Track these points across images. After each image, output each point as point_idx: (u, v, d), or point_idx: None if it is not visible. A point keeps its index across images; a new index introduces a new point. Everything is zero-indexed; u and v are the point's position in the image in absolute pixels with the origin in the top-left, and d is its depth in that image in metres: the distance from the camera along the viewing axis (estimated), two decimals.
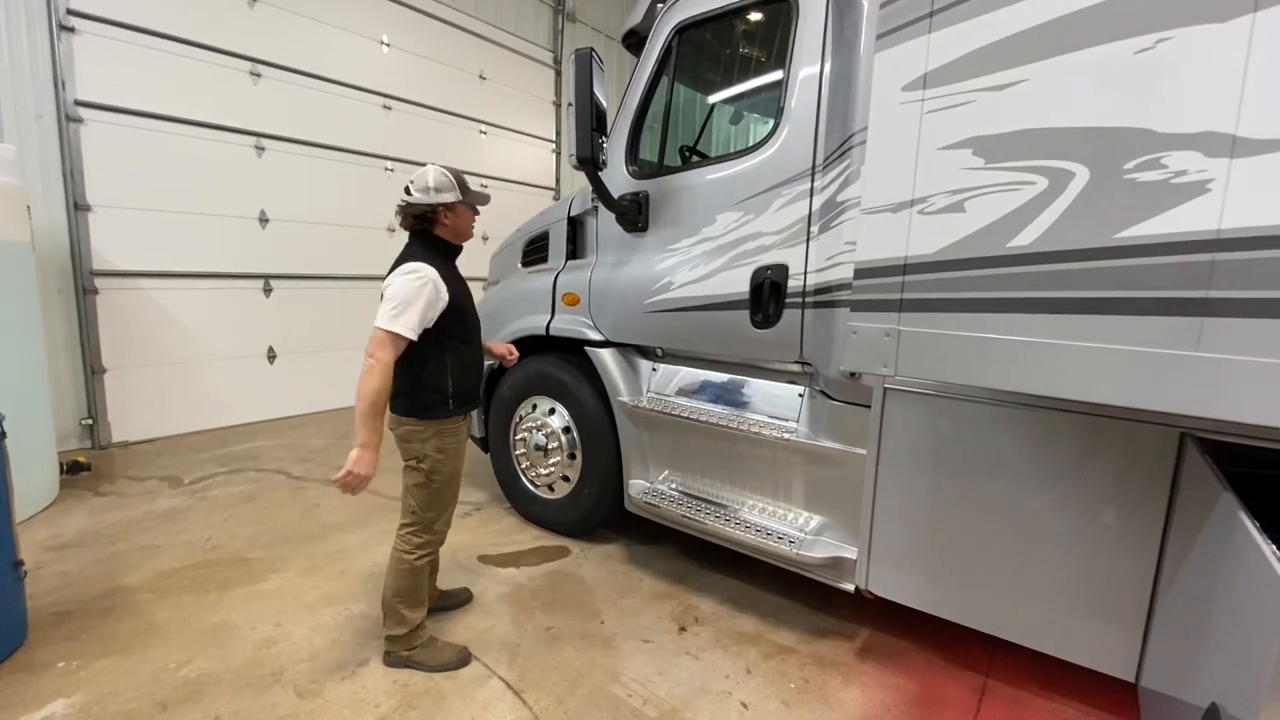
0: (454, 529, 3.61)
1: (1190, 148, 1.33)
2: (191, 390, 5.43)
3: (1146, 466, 1.84)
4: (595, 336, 3.22)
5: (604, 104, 2.74)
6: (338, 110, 6.26)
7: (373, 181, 6.66)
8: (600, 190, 2.93)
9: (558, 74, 8.68)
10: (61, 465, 4.17)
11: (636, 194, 3.01)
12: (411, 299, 2.09)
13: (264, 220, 5.82)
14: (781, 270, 2.56)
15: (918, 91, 1.71)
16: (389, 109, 6.73)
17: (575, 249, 3.44)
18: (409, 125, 6.93)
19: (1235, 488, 1.46)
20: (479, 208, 2.37)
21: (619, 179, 3.06)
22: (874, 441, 2.32)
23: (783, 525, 2.69)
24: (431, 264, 2.17)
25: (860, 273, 1.89)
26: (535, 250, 3.69)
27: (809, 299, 2.50)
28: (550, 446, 3.42)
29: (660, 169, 3.03)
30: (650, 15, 3.12)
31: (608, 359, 3.19)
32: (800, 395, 2.74)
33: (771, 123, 2.63)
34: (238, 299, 5.71)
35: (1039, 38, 1.51)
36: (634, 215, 3.00)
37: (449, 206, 2.25)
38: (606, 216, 3.14)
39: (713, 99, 3.37)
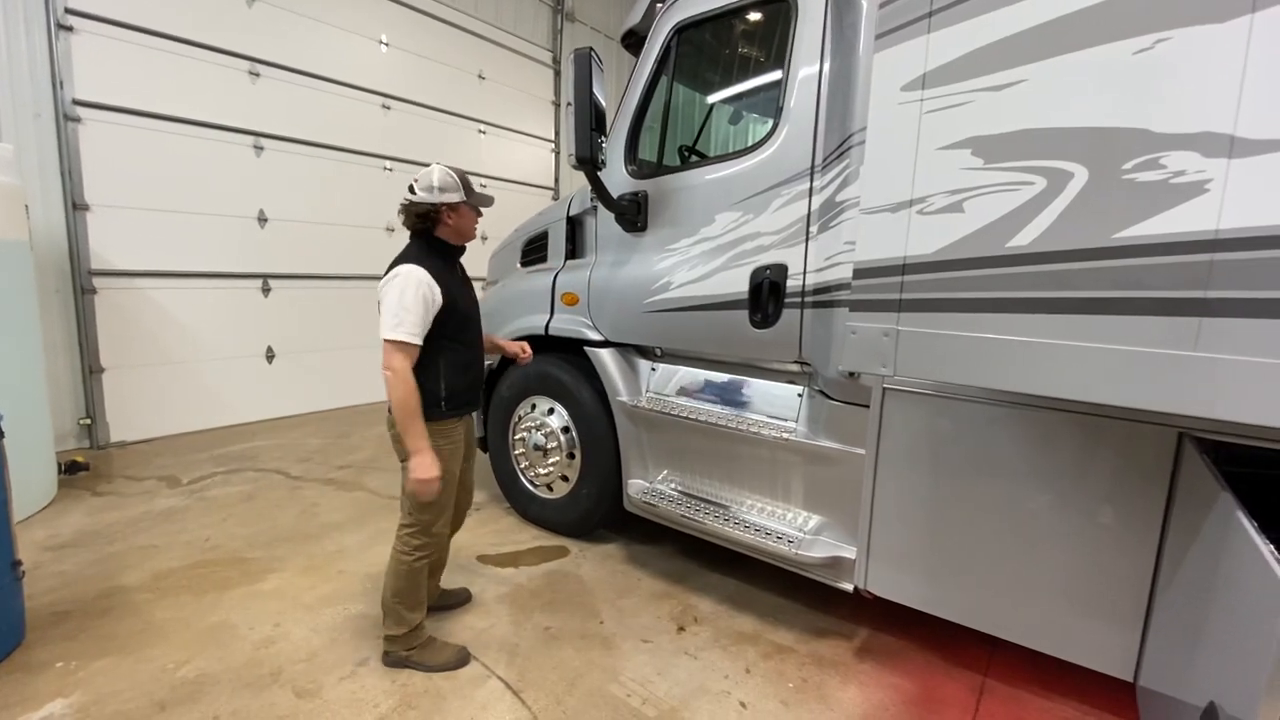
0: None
1: (1189, 148, 1.34)
2: (190, 390, 5.43)
3: (1145, 466, 1.84)
4: (594, 336, 3.22)
5: (603, 104, 2.74)
6: (336, 110, 6.25)
7: (372, 181, 6.65)
8: (599, 190, 2.93)
9: (557, 74, 8.67)
10: (60, 465, 4.16)
11: (635, 194, 3.01)
12: (407, 303, 2.07)
13: (263, 220, 5.81)
14: (780, 270, 2.56)
15: (917, 91, 1.71)
16: (388, 109, 6.72)
17: (574, 249, 3.44)
18: (408, 125, 6.92)
19: (1233, 487, 1.46)
20: (482, 210, 2.36)
21: (618, 179, 3.06)
22: (873, 441, 2.32)
23: (781, 525, 2.70)
24: (425, 264, 2.14)
25: (859, 273, 1.89)
26: (534, 250, 3.69)
27: (808, 299, 2.50)
28: (549, 446, 3.42)
29: (659, 169, 3.03)
30: (649, 15, 3.12)
31: (607, 359, 3.19)
32: (799, 395, 2.74)
33: (770, 122, 2.63)
34: (236, 298, 5.71)
35: (1038, 38, 1.51)
36: (633, 215, 3.00)
37: (452, 207, 2.23)
38: (605, 216, 3.14)
39: (712, 99, 3.37)
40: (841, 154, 2.37)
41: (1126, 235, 1.42)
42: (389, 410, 2.24)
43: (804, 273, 2.50)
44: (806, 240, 2.49)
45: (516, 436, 3.60)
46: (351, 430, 5.72)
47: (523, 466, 3.63)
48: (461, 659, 2.40)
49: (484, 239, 7.08)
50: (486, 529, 3.66)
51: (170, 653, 2.44)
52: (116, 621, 2.63)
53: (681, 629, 2.71)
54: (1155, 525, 1.84)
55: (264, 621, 2.66)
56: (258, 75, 5.63)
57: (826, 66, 2.44)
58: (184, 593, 2.87)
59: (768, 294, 2.58)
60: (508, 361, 2.71)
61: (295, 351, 6.17)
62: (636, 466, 3.18)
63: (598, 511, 3.37)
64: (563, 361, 3.36)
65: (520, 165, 8.39)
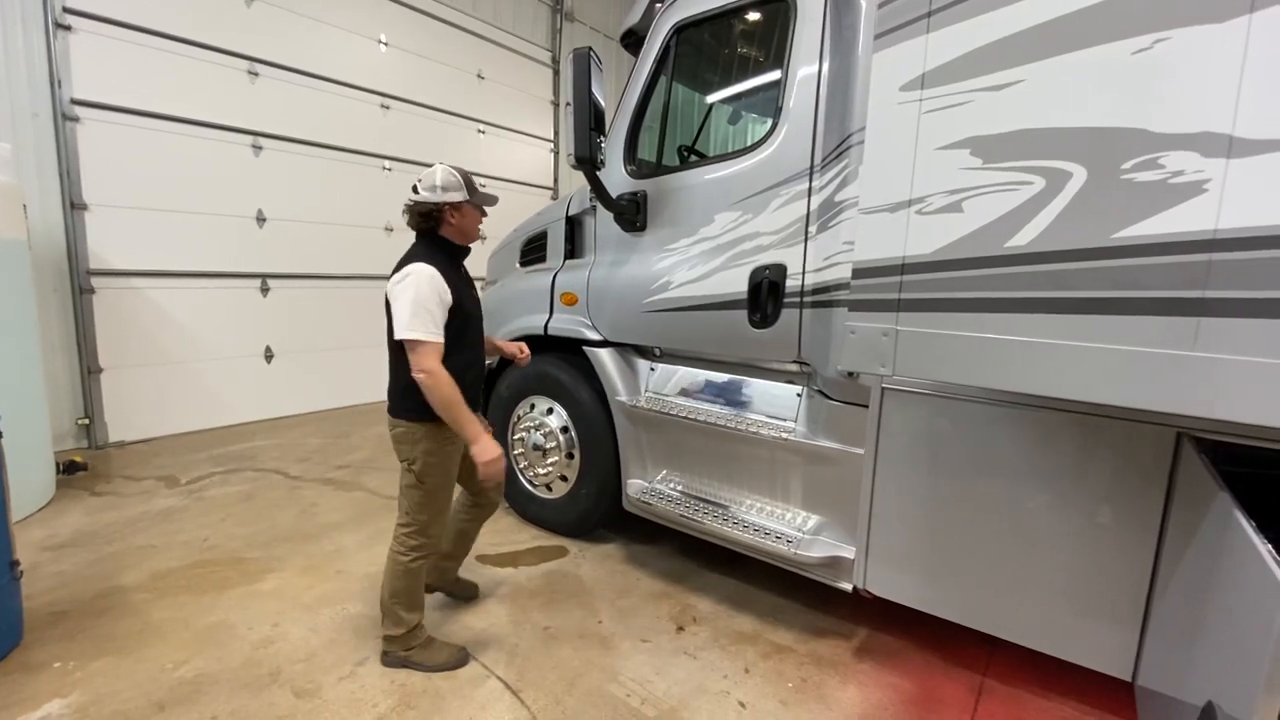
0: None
1: (1187, 148, 1.34)
2: (188, 390, 5.42)
3: (1143, 466, 1.84)
4: (593, 336, 3.22)
5: (602, 103, 2.74)
6: (335, 109, 6.25)
7: (370, 181, 6.65)
8: (598, 190, 2.92)
9: (556, 73, 8.67)
10: (58, 465, 4.15)
11: (634, 193, 3.01)
12: (424, 301, 2.07)
13: (261, 219, 5.81)
14: (779, 270, 2.56)
15: (916, 91, 1.71)
16: (387, 108, 6.72)
17: (573, 248, 3.44)
18: (407, 125, 6.92)
19: (1231, 487, 1.46)
20: (486, 209, 2.36)
21: (617, 178, 3.06)
22: (872, 441, 2.32)
23: (781, 525, 2.70)
24: (432, 263, 2.14)
25: (858, 272, 1.89)
26: (533, 250, 3.69)
27: (807, 299, 2.50)
28: (548, 446, 3.42)
29: (658, 168, 3.03)
30: (649, 15, 3.11)
31: (606, 358, 3.19)
32: (798, 395, 2.74)
33: (770, 122, 2.63)
34: (235, 298, 5.70)
35: (1037, 38, 1.51)
36: (632, 215, 3.00)
37: (455, 206, 2.23)
38: (605, 216, 3.14)
39: (711, 99, 3.37)
40: (840, 154, 2.37)
41: (1125, 235, 1.42)
42: (389, 411, 2.26)
43: (803, 272, 2.50)
44: (805, 240, 2.49)
45: (515, 436, 3.60)
46: (350, 430, 5.71)
47: (521, 466, 3.63)
48: (460, 659, 2.40)
49: (483, 239, 7.10)
50: (485, 529, 3.63)
51: (168, 653, 2.43)
52: (115, 621, 2.63)
53: (681, 629, 2.71)
54: (1154, 525, 1.84)
55: (262, 621, 2.66)
56: (256, 75, 5.62)
57: (825, 66, 2.44)
58: (182, 593, 2.87)
59: (767, 294, 2.58)
60: (506, 362, 2.72)
61: (294, 351, 6.16)
62: (635, 466, 3.18)
63: (597, 511, 3.36)
64: (561, 361, 3.36)
65: (519, 165, 8.39)
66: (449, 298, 2.15)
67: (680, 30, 2.90)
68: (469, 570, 3.13)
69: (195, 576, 3.01)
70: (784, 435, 2.66)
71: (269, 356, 6.00)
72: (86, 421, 4.86)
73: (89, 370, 4.83)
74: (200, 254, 5.40)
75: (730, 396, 2.97)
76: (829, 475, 2.57)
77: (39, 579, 2.92)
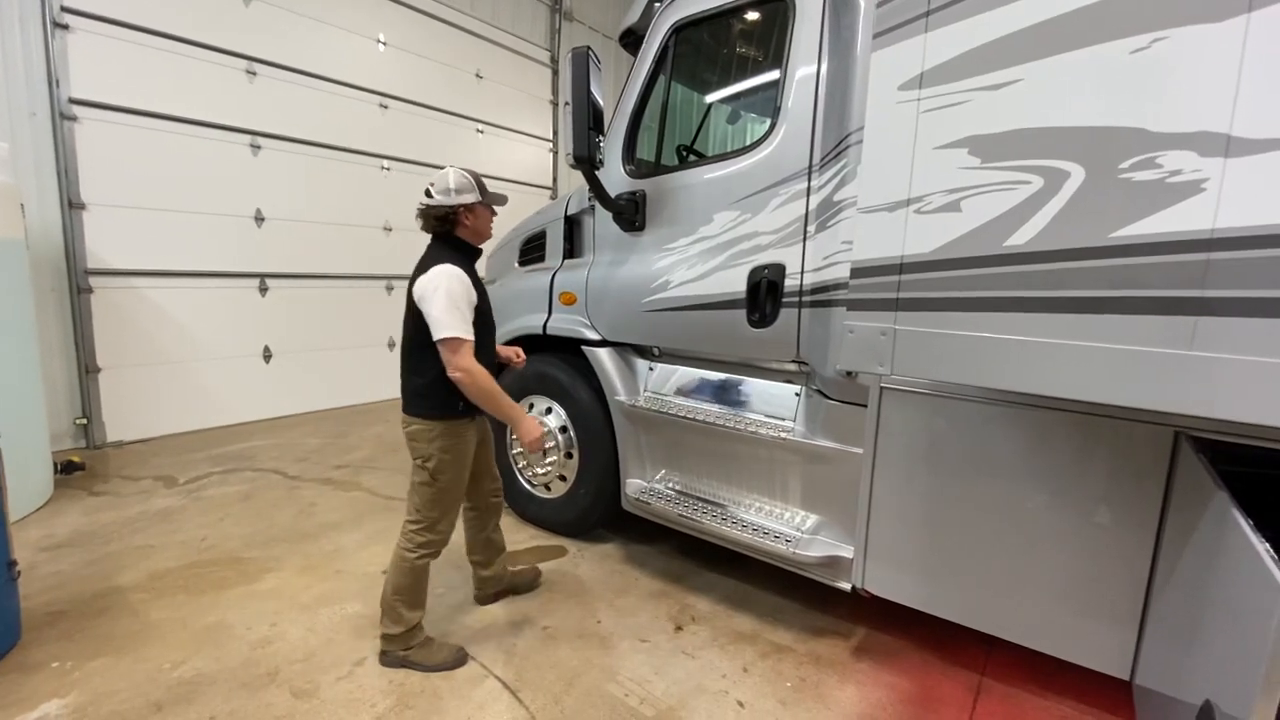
0: None
1: (1185, 147, 1.34)
2: (187, 390, 5.41)
3: (1141, 465, 1.84)
4: (592, 336, 3.22)
5: (601, 103, 2.73)
6: (334, 109, 6.24)
7: (369, 180, 6.64)
8: (597, 189, 2.92)
9: (555, 73, 8.66)
10: (56, 465, 4.14)
11: (633, 193, 3.01)
12: (456, 301, 2.14)
13: (259, 219, 5.80)
14: (778, 269, 2.56)
15: (914, 91, 1.71)
16: (385, 108, 6.71)
17: (572, 248, 3.44)
18: (405, 124, 6.91)
19: (1229, 486, 1.46)
20: (497, 208, 2.43)
21: (616, 178, 3.06)
22: (870, 441, 2.32)
23: (779, 524, 2.70)
24: (455, 264, 2.21)
25: (856, 272, 1.89)
26: (532, 249, 3.69)
27: (806, 298, 2.50)
28: (547, 446, 3.41)
29: (657, 168, 3.03)
30: (647, 14, 3.11)
31: (605, 358, 3.19)
32: (797, 394, 2.74)
33: (768, 122, 2.63)
34: (233, 298, 5.69)
35: (1035, 37, 1.51)
36: (631, 214, 3.00)
37: (469, 208, 2.28)
38: (603, 216, 3.14)
39: (710, 98, 3.36)
40: (839, 153, 2.37)
41: (1123, 234, 1.42)
42: (404, 410, 2.32)
43: (802, 272, 2.50)
44: (804, 240, 2.49)
45: (514, 436, 3.60)
46: (349, 430, 5.71)
47: (520, 466, 3.63)
48: (459, 659, 2.40)
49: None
50: None
51: (166, 653, 2.43)
52: (112, 621, 2.63)
53: (679, 628, 2.71)
54: (1152, 524, 1.84)
55: (261, 621, 2.65)
56: (255, 74, 5.62)
57: (824, 66, 2.44)
58: (180, 593, 2.86)
59: (765, 293, 2.58)
60: (502, 364, 2.75)
61: (292, 351, 6.15)
62: (634, 466, 3.18)
63: (595, 511, 3.36)
64: (560, 361, 3.36)
65: (518, 164, 8.38)
66: (474, 297, 2.24)
67: (679, 30, 2.90)
68: (467, 571, 3.12)
69: (193, 576, 3.01)
70: (783, 435, 2.66)
71: (267, 356, 5.99)
72: (84, 421, 4.85)
73: (87, 370, 4.82)
74: (199, 254, 5.39)
75: (729, 396, 2.97)
76: (828, 475, 2.57)
77: (36, 579, 2.92)
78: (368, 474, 4.53)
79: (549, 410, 3.43)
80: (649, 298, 2.96)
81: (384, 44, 6.66)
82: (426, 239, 2.39)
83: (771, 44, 2.69)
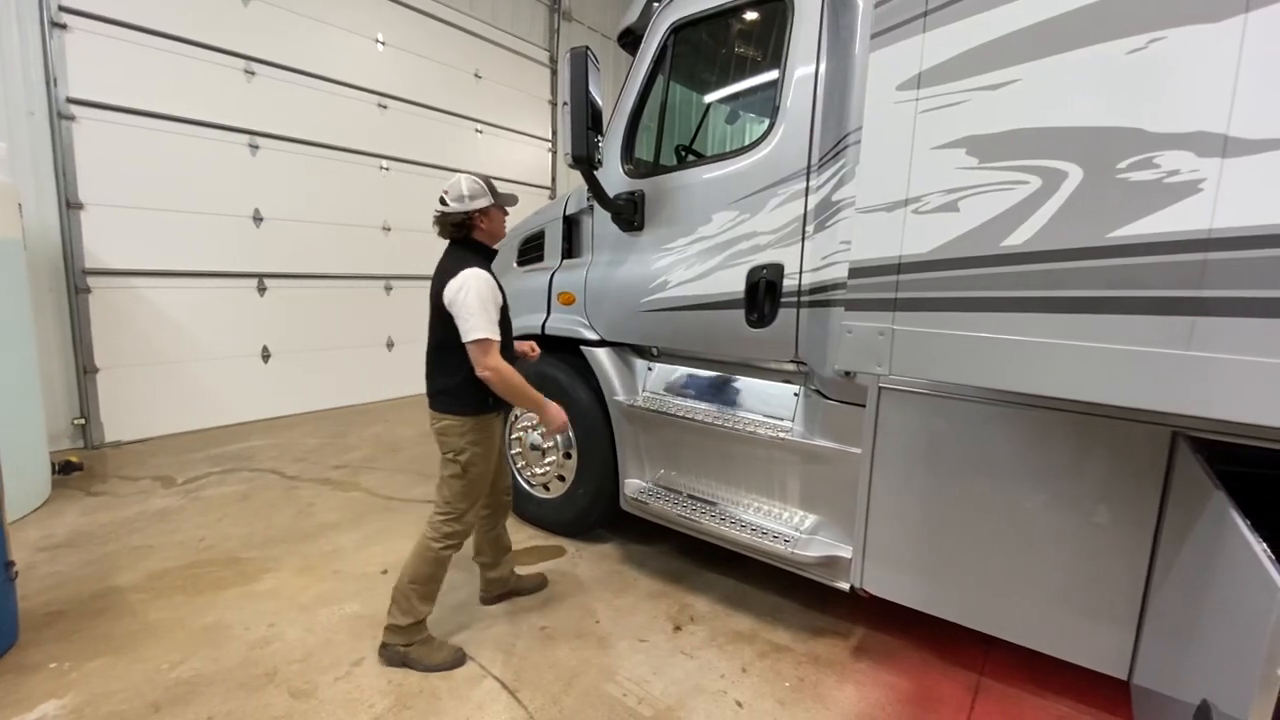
0: None
1: (1182, 147, 1.34)
2: (185, 390, 5.41)
3: (1139, 465, 1.85)
4: (591, 336, 3.22)
5: (599, 103, 2.73)
6: (332, 109, 6.24)
7: (367, 180, 6.64)
8: (595, 189, 2.92)
9: (553, 73, 8.66)
10: (53, 465, 4.14)
11: (632, 193, 3.00)
12: (486, 304, 2.22)
13: (258, 219, 5.79)
14: (777, 269, 2.56)
15: (912, 91, 1.71)
16: (384, 108, 6.71)
17: (571, 248, 3.43)
18: (404, 124, 6.91)
19: (1227, 486, 1.46)
20: (509, 208, 2.50)
21: (614, 178, 3.06)
22: (869, 440, 2.32)
23: (778, 524, 2.70)
24: (479, 267, 2.29)
25: (854, 272, 1.89)
26: (531, 249, 3.69)
27: (804, 298, 2.50)
28: (546, 446, 3.41)
29: (656, 168, 3.03)
30: (646, 14, 3.11)
31: (603, 358, 3.19)
32: (795, 394, 2.74)
33: (767, 122, 2.63)
34: (232, 298, 5.69)
35: (1032, 37, 1.51)
36: (629, 214, 3.00)
37: (483, 211, 2.36)
38: (602, 215, 3.14)
39: (708, 98, 3.36)
40: (837, 153, 2.37)
41: (1120, 234, 1.42)
42: (433, 408, 2.39)
43: (800, 272, 2.50)
44: (803, 240, 2.49)
45: (513, 436, 3.60)
46: (347, 430, 5.70)
47: (519, 466, 3.63)
48: (457, 659, 2.40)
49: None
50: None
51: (164, 653, 2.43)
52: (111, 622, 2.62)
53: (678, 628, 2.71)
54: (1149, 524, 1.84)
55: (259, 622, 2.65)
56: (253, 74, 5.61)
57: (822, 66, 2.44)
58: (178, 593, 2.86)
59: (764, 293, 2.58)
60: (515, 357, 2.79)
61: (291, 351, 6.15)
62: (633, 466, 3.18)
63: (594, 511, 3.36)
64: (559, 361, 3.36)
65: (517, 164, 8.38)
66: (500, 297, 2.33)
67: (678, 30, 2.90)
68: (466, 571, 3.12)
69: (191, 577, 3.01)
70: (781, 435, 2.66)
71: (266, 356, 5.99)
72: (82, 421, 4.85)
73: (85, 370, 4.82)
74: (197, 253, 5.39)
75: (727, 396, 2.97)
76: (826, 475, 2.57)
77: (34, 579, 2.91)
78: (366, 474, 4.53)
79: None
80: (647, 298, 2.96)
81: (383, 44, 6.65)
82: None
83: (770, 44, 2.69)
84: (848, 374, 2.36)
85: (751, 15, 2.78)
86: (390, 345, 7.05)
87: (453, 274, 2.24)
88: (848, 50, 2.36)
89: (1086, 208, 1.47)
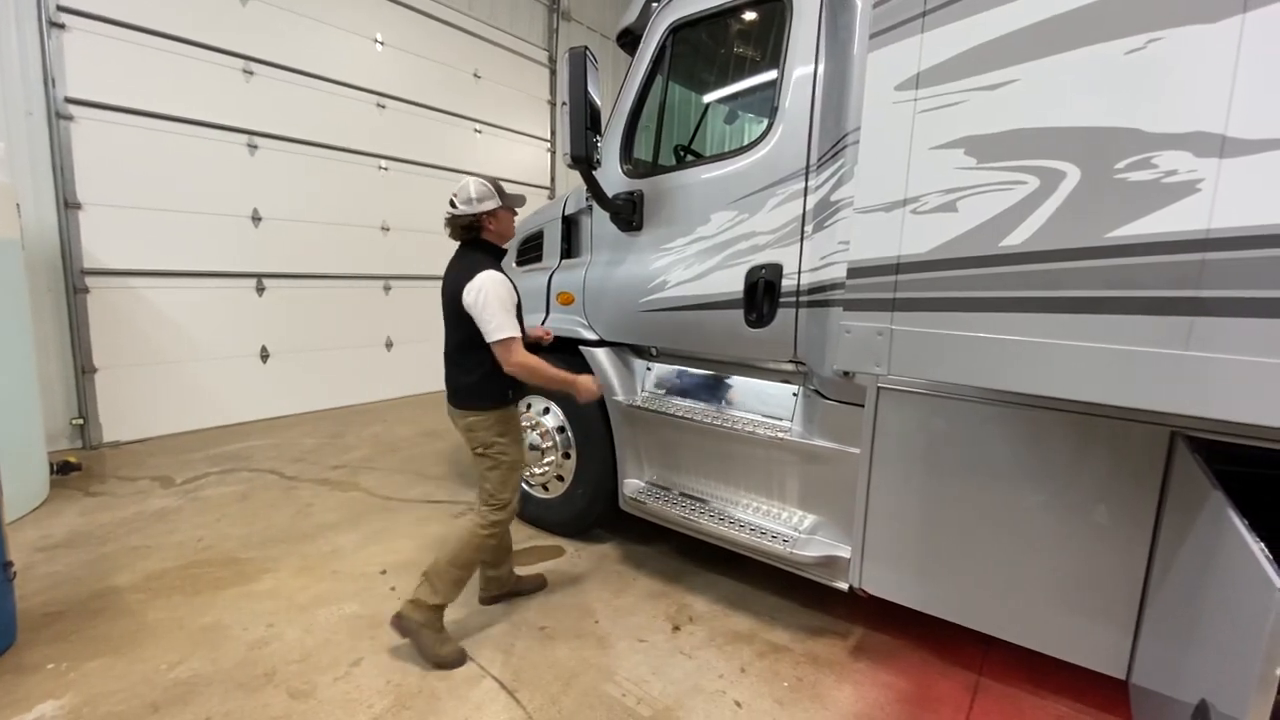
0: (448, 528, 3.62)
1: (1180, 148, 1.34)
2: (184, 390, 5.40)
3: (1137, 465, 1.85)
4: (590, 336, 3.22)
5: (598, 103, 2.73)
6: (331, 108, 6.23)
7: (366, 180, 6.63)
8: (594, 189, 2.92)
9: (553, 73, 8.66)
10: (52, 465, 4.13)
11: (631, 193, 3.00)
12: (506, 304, 2.31)
13: (257, 219, 5.79)
14: (775, 269, 2.56)
15: (910, 91, 1.71)
16: (383, 107, 6.70)
17: (570, 248, 3.44)
18: (403, 124, 6.91)
19: (1225, 486, 1.46)
20: (517, 209, 2.55)
21: (613, 178, 3.06)
22: (867, 440, 2.32)
23: (777, 524, 2.70)
24: (493, 268, 2.36)
25: (853, 272, 1.89)
26: (530, 249, 3.69)
27: (803, 298, 2.50)
28: (545, 446, 3.41)
29: (654, 168, 3.03)
30: (645, 14, 3.11)
31: (602, 358, 3.19)
32: (794, 394, 2.74)
33: (766, 122, 2.63)
34: (230, 298, 5.68)
35: (1031, 38, 1.51)
36: (628, 214, 3.00)
37: (491, 213, 2.42)
38: (601, 215, 3.14)
39: (707, 98, 3.37)
40: (836, 154, 2.37)
41: (1118, 235, 1.42)
42: (458, 406, 2.47)
43: (799, 272, 2.50)
44: (801, 240, 2.49)
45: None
46: (346, 430, 5.70)
47: None
48: (458, 659, 2.41)
49: None
50: None
51: (163, 654, 2.42)
52: (109, 622, 2.62)
53: (677, 628, 2.71)
54: (1148, 524, 1.85)
55: (257, 622, 2.65)
56: (252, 74, 5.61)
57: (821, 66, 2.44)
58: (177, 593, 2.86)
59: (763, 293, 2.58)
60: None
61: (290, 351, 6.14)
62: (632, 466, 3.18)
63: (593, 511, 3.36)
64: (558, 361, 3.35)
65: (516, 164, 8.38)
66: (515, 296, 2.40)
67: (676, 30, 2.90)
68: None
69: (190, 577, 3.00)
70: (780, 435, 2.66)
71: (264, 356, 5.98)
72: (81, 421, 4.84)
73: (83, 370, 4.81)
74: (196, 253, 5.38)
75: (726, 396, 2.97)
76: (825, 475, 2.57)
77: (33, 580, 2.91)
78: (365, 474, 4.53)
79: (546, 410, 3.43)
80: (646, 298, 2.96)
81: (381, 43, 6.65)
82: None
83: (769, 44, 2.69)
84: (846, 374, 2.36)
85: (750, 15, 2.78)
86: (389, 345, 7.04)
87: (468, 276, 2.30)
88: (846, 50, 2.36)
89: (1085, 208, 1.47)
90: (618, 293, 3.08)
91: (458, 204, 2.39)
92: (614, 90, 3.21)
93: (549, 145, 8.89)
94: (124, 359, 5.03)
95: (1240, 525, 1.30)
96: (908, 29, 1.70)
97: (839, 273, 2.22)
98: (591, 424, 3.24)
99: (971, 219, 1.63)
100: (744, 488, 2.88)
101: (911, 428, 2.23)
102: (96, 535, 3.43)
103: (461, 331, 2.38)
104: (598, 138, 2.79)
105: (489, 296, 2.26)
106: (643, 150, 3.11)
